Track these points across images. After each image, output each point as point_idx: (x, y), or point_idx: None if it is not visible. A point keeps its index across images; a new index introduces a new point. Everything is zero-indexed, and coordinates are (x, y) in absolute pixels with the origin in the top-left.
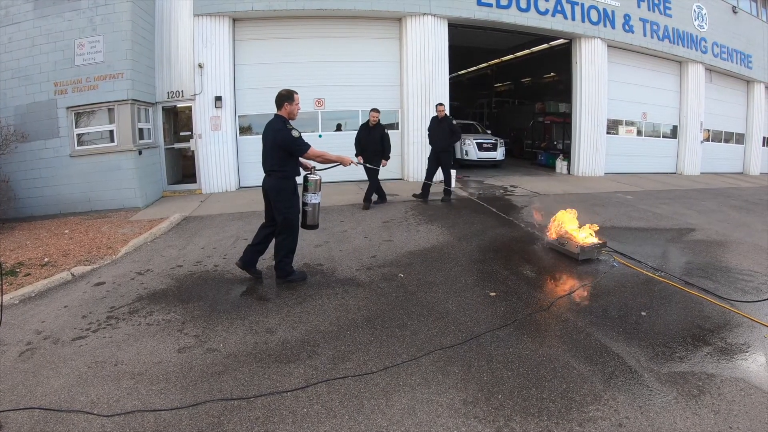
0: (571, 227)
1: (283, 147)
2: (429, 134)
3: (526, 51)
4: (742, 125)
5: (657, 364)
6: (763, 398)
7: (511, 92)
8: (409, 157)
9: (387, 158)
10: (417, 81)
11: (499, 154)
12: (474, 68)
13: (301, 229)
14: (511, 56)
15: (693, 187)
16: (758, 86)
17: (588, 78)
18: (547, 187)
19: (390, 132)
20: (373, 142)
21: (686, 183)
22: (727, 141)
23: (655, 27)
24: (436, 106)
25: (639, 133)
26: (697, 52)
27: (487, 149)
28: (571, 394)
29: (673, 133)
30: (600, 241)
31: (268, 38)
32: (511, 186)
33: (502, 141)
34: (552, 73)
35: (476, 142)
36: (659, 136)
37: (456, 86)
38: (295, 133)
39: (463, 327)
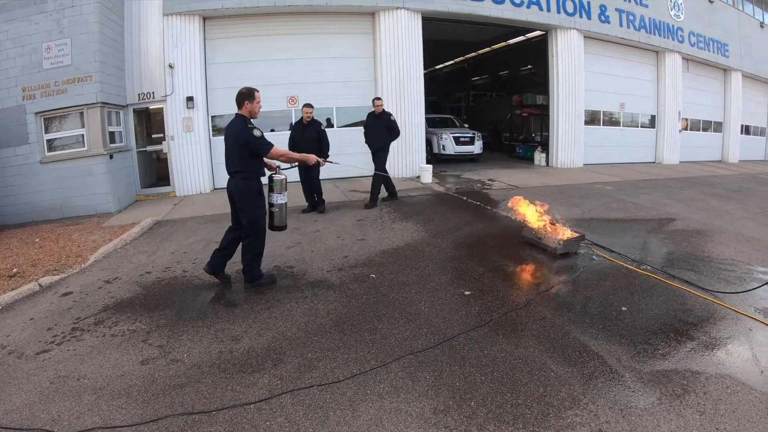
0: (533, 216)
1: (245, 147)
2: (365, 132)
3: (503, 44)
4: (720, 114)
5: (639, 363)
6: (750, 396)
7: (488, 85)
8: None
9: (325, 157)
10: (391, 76)
11: (476, 147)
12: (450, 62)
13: (270, 231)
14: (487, 49)
15: (672, 176)
16: (735, 74)
17: (565, 69)
18: (525, 180)
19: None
20: (309, 140)
21: (665, 172)
22: (705, 129)
23: (631, 17)
24: (373, 100)
25: (617, 123)
26: (674, 41)
27: (465, 143)
28: (549, 399)
29: (652, 122)
30: (578, 234)
31: (239, 36)
32: (489, 180)
33: (479, 135)
34: (529, 66)
35: (453, 137)
36: (637, 126)
37: (433, 81)
38: (256, 133)
39: (436, 329)
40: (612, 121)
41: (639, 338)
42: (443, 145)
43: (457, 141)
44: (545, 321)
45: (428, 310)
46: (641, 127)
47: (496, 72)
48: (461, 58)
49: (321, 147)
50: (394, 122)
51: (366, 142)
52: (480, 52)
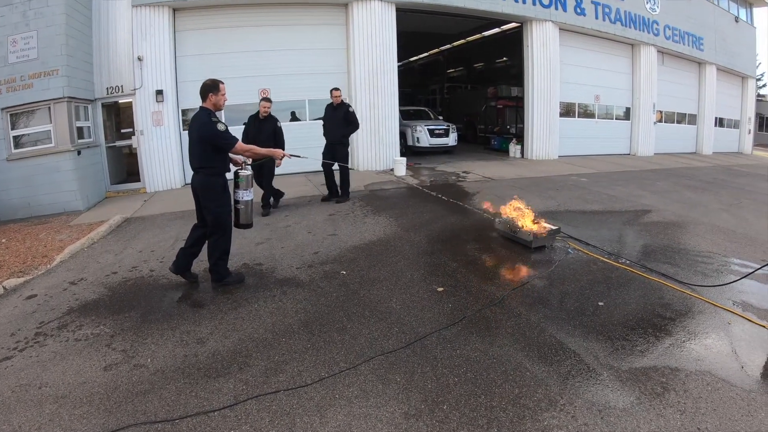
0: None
1: (209, 142)
2: (323, 124)
3: (478, 35)
4: (695, 106)
5: (617, 360)
6: (731, 393)
7: (463, 77)
8: (359, 146)
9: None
10: (365, 68)
11: (451, 140)
12: (425, 54)
13: (238, 229)
14: (462, 41)
15: (647, 167)
16: (710, 68)
17: (540, 61)
18: (500, 172)
19: None
20: (264, 136)
21: (640, 164)
22: (679, 122)
23: (607, 10)
24: (331, 91)
25: (592, 115)
26: (649, 34)
27: (439, 135)
28: (524, 400)
29: (627, 115)
30: (554, 227)
31: (210, 28)
32: (464, 172)
33: (454, 127)
34: (504, 58)
35: (428, 129)
36: (612, 119)
37: (407, 73)
38: (221, 127)
39: (407, 328)
40: (587, 113)
41: (616, 334)
42: (418, 138)
43: (432, 133)
44: (520, 318)
45: (399, 307)
46: (616, 119)
47: (471, 64)
48: (436, 50)
49: (277, 144)
50: (352, 114)
51: (324, 134)
52: (455, 44)
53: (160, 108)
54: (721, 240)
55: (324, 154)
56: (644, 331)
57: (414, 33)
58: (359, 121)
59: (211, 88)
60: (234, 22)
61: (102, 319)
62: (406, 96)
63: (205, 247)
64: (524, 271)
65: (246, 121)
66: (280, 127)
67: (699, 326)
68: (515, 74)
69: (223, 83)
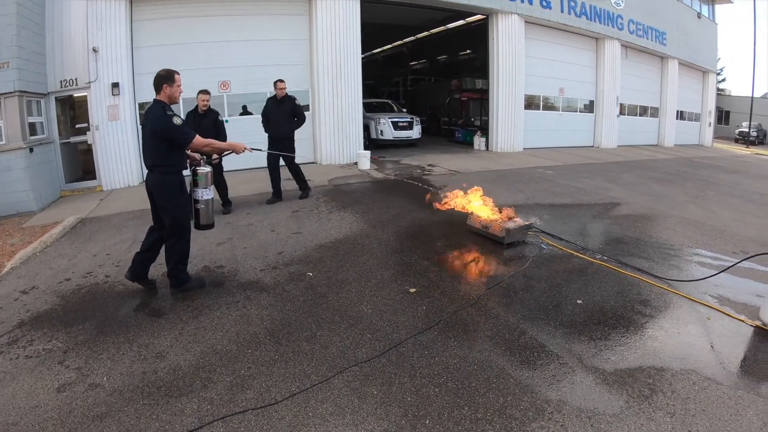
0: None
1: (164, 137)
2: (264, 118)
3: (442, 27)
4: (657, 99)
5: (601, 362)
6: (718, 391)
7: (426, 70)
8: (322, 139)
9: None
10: (328, 59)
11: (415, 132)
12: (389, 46)
13: (197, 230)
14: (426, 33)
15: (612, 159)
16: (672, 62)
17: (505, 54)
18: (466, 165)
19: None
20: (205, 132)
21: (604, 156)
22: (642, 115)
23: (572, 3)
24: (275, 83)
25: (556, 108)
26: (613, 29)
27: (403, 128)
28: (511, 410)
29: (590, 107)
30: (526, 222)
31: (168, 17)
32: (429, 165)
33: (418, 119)
34: (468, 50)
35: (391, 121)
36: (576, 111)
37: (371, 65)
38: (176, 121)
39: (381, 334)
40: (551, 105)
41: (598, 334)
42: (381, 130)
43: (396, 126)
44: (498, 319)
45: (371, 311)
46: (580, 111)
47: (435, 56)
48: (400, 42)
49: (218, 139)
50: (299, 107)
51: (267, 130)
52: (419, 36)
53: (116, 102)
54: (691, 232)
55: (269, 153)
56: (626, 330)
57: (378, 24)
58: (305, 115)
59: (165, 78)
60: (194, 12)
61: (54, 332)
62: (369, 88)
63: (163, 251)
64: (498, 268)
65: (184, 117)
66: (222, 121)
67: (680, 323)
68: (479, 67)
69: (178, 73)
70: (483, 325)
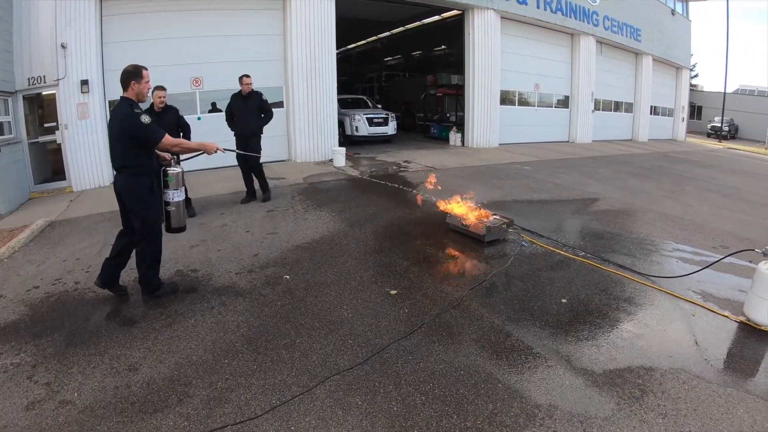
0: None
1: (132, 136)
2: (230, 116)
3: (417, 23)
4: (631, 95)
5: (590, 363)
6: (708, 390)
7: (401, 66)
8: (296, 136)
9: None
10: (302, 54)
11: (390, 128)
12: (363, 42)
13: (168, 234)
14: (402, 28)
15: (587, 155)
16: (646, 58)
17: (481, 49)
18: (442, 161)
19: (275, 110)
20: (168, 129)
21: (580, 151)
22: (616, 110)
23: None
24: (241, 78)
25: (532, 103)
26: (589, 25)
27: (378, 124)
28: (501, 417)
29: (565, 103)
30: (506, 219)
31: (139, 12)
32: (405, 162)
33: (393, 115)
34: (443, 46)
35: (366, 117)
36: (552, 107)
37: (345, 61)
38: (145, 119)
39: (363, 340)
40: (527, 101)
41: (585, 334)
42: (356, 127)
43: (371, 122)
44: (483, 321)
45: (351, 316)
46: (555, 107)
47: (410, 52)
48: (374, 38)
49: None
50: (266, 102)
51: (233, 128)
52: (394, 31)
53: (85, 99)
54: (670, 227)
55: (237, 155)
56: (612, 329)
57: (353, 20)
58: (273, 111)
59: (133, 74)
60: (165, 7)
61: (23, 344)
62: (343, 84)
63: (133, 256)
64: (480, 267)
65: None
66: (184, 119)
67: (665, 320)
68: (454, 62)
69: (146, 69)
70: (467, 328)
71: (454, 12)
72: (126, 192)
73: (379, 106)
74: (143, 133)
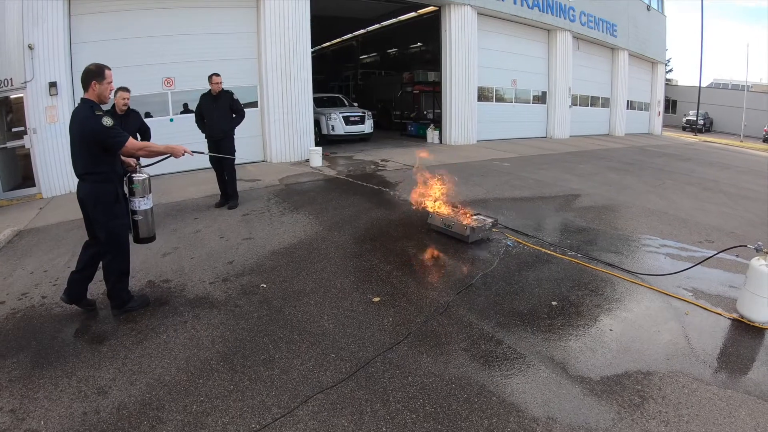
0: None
1: (93, 141)
2: (199, 117)
3: (394, 20)
4: (608, 90)
5: (586, 369)
6: (708, 393)
7: (376, 64)
8: (271, 136)
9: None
10: (277, 53)
11: (367, 127)
12: (338, 40)
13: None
14: (377, 26)
15: (566, 150)
16: (622, 53)
17: (458, 46)
18: (420, 159)
19: (249, 110)
20: (132, 133)
21: (559, 147)
22: (593, 105)
23: None
24: (210, 77)
25: (509, 99)
26: (565, 20)
27: (355, 123)
28: None
29: (543, 98)
30: (490, 219)
31: (109, 11)
32: (383, 160)
33: (370, 113)
34: (419, 43)
35: (342, 116)
36: (529, 102)
37: (319, 59)
38: (106, 122)
39: (346, 353)
40: (504, 97)
41: (578, 339)
42: (332, 126)
43: (347, 120)
44: (471, 328)
45: (333, 326)
46: (533, 103)
47: (385, 50)
48: (350, 35)
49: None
50: (238, 102)
51: (204, 130)
52: (370, 29)
53: (54, 102)
54: (655, 223)
55: (210, 157)
56: (605, 331)
57: (328, 17)
58: (245, 111)
59: (94, 74)
60: (136, 5)
61: None
62: (318, 83)
63: (101, 268)
64: (465, 270)
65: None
66: (144, 122)
67: (659, 321)
68: (429, 60)
69: (109, 69)
70: (456, 336)
71: (431, 8)
72: (89, 201)
73: (356, 104)
74: (105, 136)
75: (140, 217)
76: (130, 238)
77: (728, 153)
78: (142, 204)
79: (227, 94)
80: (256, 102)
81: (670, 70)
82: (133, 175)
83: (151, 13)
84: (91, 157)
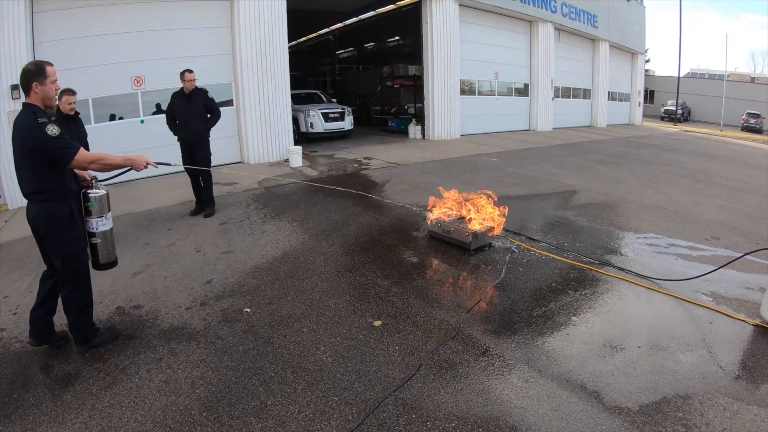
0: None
1: (38, 154)
2: (171, 118)
3: (372, 12)
4: (589, 81)
5: (623, 398)
6: (750, 414)
7: (353, 58)
8: (248, 136)
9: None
10: (252, 48)
11: (347, 123)
12: (315, 34)
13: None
14: (355, 19)
15: (551, 143)
16: (603, 44)
17: (440, 38)
18: (405, 156)
19: (224, 109)
20: (75, 138)
21: (543, 140)
22: (575, 97)
23: None
24: (183, 73)
25: (492, 92)
26: (547, 11)
27: (334, 119)
28: None
29: (525, 91)
30: (492, 224)
31: (74, 7)
32: (366, 158)
33: (350, 109)
34: (397, 37)
35: (322, 113)
36: (512, 95)
37: (296, 55)
38: (52, 131)
39: (350, 394)
40: (487, 90)
41: (607, 361)
42: (311, 123)
43: (326, 117)
44: (491, 355)
45: (332, 360)
46: (515, 95)
47: (362, 44)
48: (327, 30)
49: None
50: (213, 101)
51: (176, 132)
52: (347, 22)
53: (16, 107)
54: (657, 219)
55: (183, 157)
56: (633, 350)
57: (304, 11)
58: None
59: (34, 74)
60: (102, 0)
61: None
62: (295, 79)
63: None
64: (471, 282)
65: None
66: (85, 130)
67: (686, 332)
68: (408, 54)
69: (51, 65)
70: (474, 366)
71: (410, 0)
72: (40, 224)
73: (334, 100)
74: (51, 148)
75: (99, 240)
76: (90, 263)
77: (711, 143)
78: (99, 225)
79: (201, 93)
80: (232, 100)
81: (648, 61)
82: (89, 191)
83: (118, 9)
84: (38, 172)
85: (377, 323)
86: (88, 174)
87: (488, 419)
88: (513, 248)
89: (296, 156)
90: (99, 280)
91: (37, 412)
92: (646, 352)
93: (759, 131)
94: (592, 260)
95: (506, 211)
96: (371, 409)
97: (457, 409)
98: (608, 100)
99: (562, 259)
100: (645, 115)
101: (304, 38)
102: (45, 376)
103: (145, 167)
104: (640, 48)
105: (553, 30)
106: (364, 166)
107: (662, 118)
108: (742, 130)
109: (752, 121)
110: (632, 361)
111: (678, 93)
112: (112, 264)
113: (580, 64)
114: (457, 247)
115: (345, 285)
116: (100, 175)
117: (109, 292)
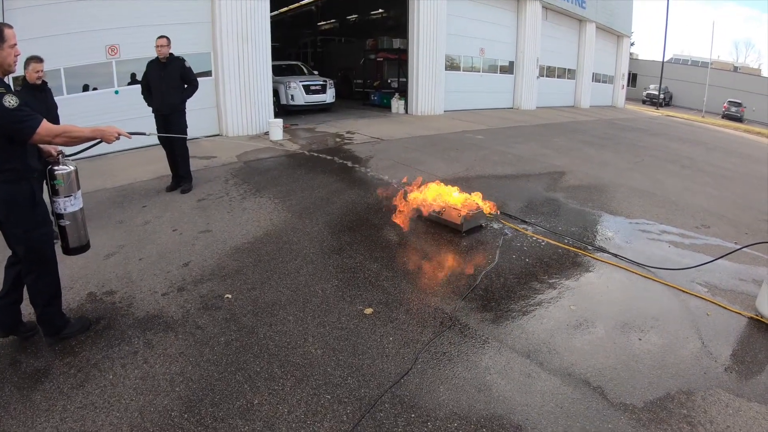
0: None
1: None
2: (146, 88)
3: None
4: (574, 62)
5: (627, 395)
6: (751, 412)
7: (336, 30)
8: (227, 108)
9: None
10: (233, 16)
11: (329, 96)
12: (296, 5)
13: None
14: None
15: (536, 122)
16: (590, 25)
17: (426, 12)
18: (388, 131)
19: (202, 79)
20: (40, 111)
21: (527, 118)
22: (560, 76)
23: None
24: (157, 40)
25: (477, 69)
26: None
27: (316, 92)
28: None
29: (510, 69)
30: (484, 204)
31: None
32: (348, 132)
33: (331, 82)
34: (380, 10)
35: (303, 85)
36: (497, 72)
37: (277, 25)
38: (9, 102)
39: (343, 391)
40: (472, 66)
41: (609, 355)
42: (292, 95)
43: (308, 90)
44: (490, 345)
45: (322, 353)
46: (500, 73)
47: (345, 16)
48: (308, 0)
49: (54, 121)
50: (190, 70)
51: (150, 103)
52: None
53: None
54: (647, 205)
55: (158, 129)
56: (634, 343)
57: None
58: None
59: None
60: None
61: None
62: (276, 51)
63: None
64: (465, 266)
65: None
66: (54, 102)
67: (684, 325)
68: (392, 26)
69: (11, 27)
70: (472, 357)
71: None
72: (0, 207)
73: (316, 72)
74: (9, 121)
75: (68, 222)
76: (58, 248)
77: (694, 129)
78: (68, 205)
79: (178, 61)
80: (210, 71)
81: (632, 44)
82: (55, 168)
83: None
84: None
85: (368, 311)
86: (54, 149)
87: (491, 418)
88: (505, 230)
89: (277, 129)
90: (69, 263)
91: (5, 415)
92: (647, 346)
93: (740, 119)
94: (586, 245)
95: (494, 208)
96: (367, 409)
97: (458, 408)
98: (593, 81)
99: (555, 243)
100: (627, 98)
101: (285, 8)
102: (12, 373)
103: (117, 138)
104: (627, 31)
105: (541, 8)
106: (347, 141)
107: (644, 102)
108: (722, 117)
109: (733, 109)
110: (634, 354)
111: (661, 78)
112: (84, 248)
113: (567, 44)
114: (449, 229)
115: (332, 268)
116: (68, 150)
117: (80, 276)
